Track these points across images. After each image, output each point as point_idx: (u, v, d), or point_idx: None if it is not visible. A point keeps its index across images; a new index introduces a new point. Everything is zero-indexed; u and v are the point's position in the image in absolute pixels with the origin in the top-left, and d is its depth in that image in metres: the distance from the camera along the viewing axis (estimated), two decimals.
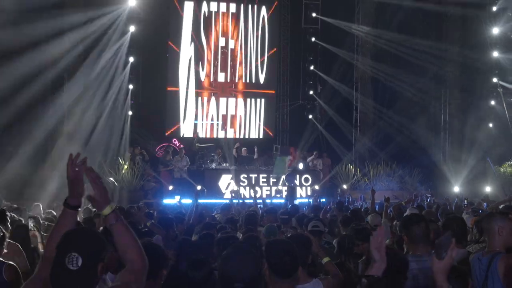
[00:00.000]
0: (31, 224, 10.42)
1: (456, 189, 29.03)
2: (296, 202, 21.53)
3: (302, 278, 5.21)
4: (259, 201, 20.47)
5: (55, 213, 12.49)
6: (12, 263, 6.48)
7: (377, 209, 15.56)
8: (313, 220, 8.98)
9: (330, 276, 5.88)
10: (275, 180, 25.84)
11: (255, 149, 27.39)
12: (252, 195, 24.41)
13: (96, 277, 3.72)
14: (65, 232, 3.86)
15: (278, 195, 24.70)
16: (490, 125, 31.15)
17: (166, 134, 29.03)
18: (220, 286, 3.71)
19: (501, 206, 13.41)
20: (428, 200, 20.46)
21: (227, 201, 20.17)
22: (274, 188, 25.68)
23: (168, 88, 29.22)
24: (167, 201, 22.69)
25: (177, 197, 21.05)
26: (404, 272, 5.02)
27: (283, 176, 25.63)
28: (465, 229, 7.31)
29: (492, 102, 30.87)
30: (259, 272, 3.76)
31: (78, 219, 12.83)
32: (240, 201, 19.65)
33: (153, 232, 9.64)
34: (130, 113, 27.18)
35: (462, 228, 7.10)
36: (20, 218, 10.37)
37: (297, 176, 26.14)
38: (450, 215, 7.64)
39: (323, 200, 23.20)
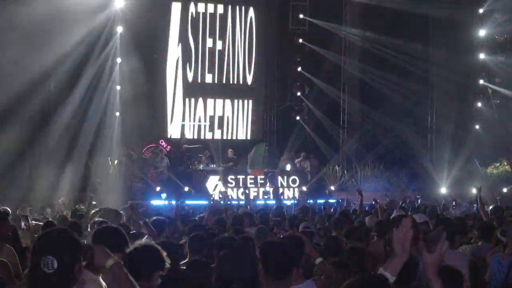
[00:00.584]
0: (22, 224, 10.38)
1: (443, 190, 29.10)
2: (288, 203, 21.59)
3: (296, 278, 5.22)
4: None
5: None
6: (3, 259, 6.47)
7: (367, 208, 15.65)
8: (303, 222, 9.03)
9: (323, 277, 5.88)
10: (262, 181, 25.87)
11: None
12: (241, 196, 24.41)
13: (73, 278, 3.71)
14: (39, 235, 3.93)
15: (266, 197, 24.68)
16: (477, 126, 31.31)
17: (154, 135, 28.83)
18: (217, 287, 3.70)
19: (490, 208, 13.51)
20: (419, 201, 20.51)
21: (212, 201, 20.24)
22: (261, 190, 25.68)
23: (156, 89, 29.09)
24: (155, 202, 22.59)
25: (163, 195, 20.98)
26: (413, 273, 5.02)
27: (267, 179, 25.71)
28: (454, 230, 7.29)
29: (479, 104, 31.04)
30: (256, 273, 3.75)
31: (50, 219, 12.82)
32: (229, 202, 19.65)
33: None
34: (117, 113, 27.08)
35: (451, 229, 7.09)
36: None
37: (279, 177, 26.15)
38: (441, 216, 7.65)
39: (311, 201, 23.21)
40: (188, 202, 20.28)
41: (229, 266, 3.65)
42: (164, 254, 4.47)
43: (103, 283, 4.59)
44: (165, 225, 9.70)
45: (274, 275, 4.44)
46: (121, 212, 12.92)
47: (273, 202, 21.80)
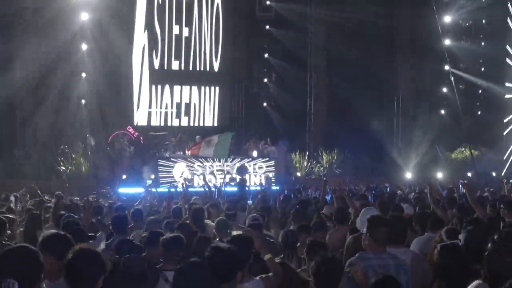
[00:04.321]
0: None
1: (408, 175, 29.39)
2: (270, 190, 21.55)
3: (244, 277, 5.30)
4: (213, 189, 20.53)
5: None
6: None
7: (329, 198, 15.72)
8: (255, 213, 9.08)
9: (271, 274, 5.95)
10: (228, 168, 25.91)
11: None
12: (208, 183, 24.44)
13: None
14: None
15: (232, 183, 24.68)
16: (442, 111, 31.61)
17: (121, 123, 28.64)
18: None
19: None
20: (387, 189, 20.53)
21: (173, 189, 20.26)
22: (228, 176, 25.71)
23: (122, 77, 28.91)
24: (122, 190, 22.46)
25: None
26: None
27: (235, 167, 25.73)
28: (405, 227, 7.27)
29: (444, 90, 31.31)
30: (213, 286, 3.83)
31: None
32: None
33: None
34: (83, 101, 26.91)
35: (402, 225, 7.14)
36: None
37: (248, 169, 26.15)
38: (391, 214, 7.71)
39: (277, 187, 23.28)
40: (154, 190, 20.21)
41: (186, 282, 3.71)
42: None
43: None
44: (125, 222, 9.56)
45: (219, 279, 4.57)
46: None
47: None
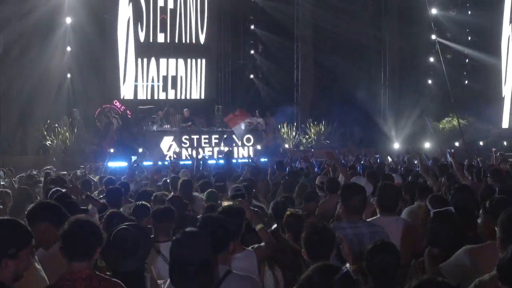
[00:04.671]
0: None
1: (397, 145, 29.48)
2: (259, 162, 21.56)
3: (236, 248, 5.28)
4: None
5: None
6: None
7: (316, 169, 15.75)
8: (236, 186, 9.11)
9: (263, 244, 5.94)
10: (216, 141, 25.90)
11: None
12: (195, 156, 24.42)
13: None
14: None
15: (220, 156, 24.64)
16: (429, 81, 31.65)
17: (107, 97, 28.45)
18: (172, 269, 3.74)
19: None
20: (377, 160, 20.59)
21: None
22: (216, 149, 25.70)
23: (107, 50, 28.67)
24: (111, 164, 22.33)
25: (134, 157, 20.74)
26: None
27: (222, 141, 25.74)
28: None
29: (431, 59, 31.31)
30: (209, 253, 3.82)
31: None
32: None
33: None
34: (69, 75, 26.70)
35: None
36: None
37: (235, 138, 26.11)
38: (382, 183, 7.69)
39: (265, 159, 23.29)
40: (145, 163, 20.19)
41: (184, 249, 3.68)
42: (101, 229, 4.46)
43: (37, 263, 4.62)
44: (119, 194, 9.55)
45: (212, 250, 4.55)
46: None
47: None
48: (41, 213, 5.14)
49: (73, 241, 4.11)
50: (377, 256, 4.54)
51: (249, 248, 5.73)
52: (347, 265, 4.98)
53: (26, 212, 5.29)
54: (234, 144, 25.89)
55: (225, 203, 6.78)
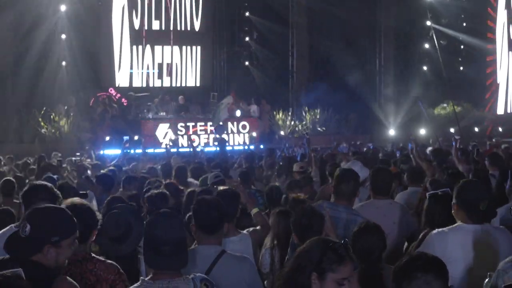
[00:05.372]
0: None
1: (392, 132, 29.54)
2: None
3: (230, 232, 5.33)
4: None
5: None
6: None
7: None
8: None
9: (259, 227, 5.98)
10: (213, 128, 25.90)
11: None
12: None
13: (38, 251, 3.70)
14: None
15: (216, 143, 24.64)
16: (425, 68, 31.66)
17: (102, 85, 28.40)
18: (147, 250, 3.76)
19: (428, 150, 13.82)
20: (371, 147, 20.51)
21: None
22: (212, 136, 25.71)
23: (102, 37, 28.59)
24: (107, 151, 22.33)
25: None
26: None
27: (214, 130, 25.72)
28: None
29: (426, 45, 31.31)
30: (184, 234, 3.85)
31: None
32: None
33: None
34: (64, 63, 26.65)
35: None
36: None
37: (225, 128, 26.04)
38: (376, 167, 7.70)
39: (261, 146, 23.32)
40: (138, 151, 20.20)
41: (159, 230, 3.71)
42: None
43: None
44: (111, 181, 9.64)
45: (205, 230, 4.68)
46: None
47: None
48: (36, 194, 5.16)
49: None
50: (361, 237, 4.61)
51: (245, 231, 5.77)
52: None
53: (21, 194, 5.32)
54: (225, 132, 25.82)
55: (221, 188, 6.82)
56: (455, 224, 4.96)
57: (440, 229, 4.99)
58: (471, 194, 4.95)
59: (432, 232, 5.03)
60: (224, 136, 25.21)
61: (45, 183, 5.38)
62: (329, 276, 3.18)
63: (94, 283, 4.20)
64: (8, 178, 9.70)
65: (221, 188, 6.42)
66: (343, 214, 5.72)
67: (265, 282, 5.65)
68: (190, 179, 10.14)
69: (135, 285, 3.67)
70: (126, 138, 20.28)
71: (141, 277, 3.75)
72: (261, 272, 5.79)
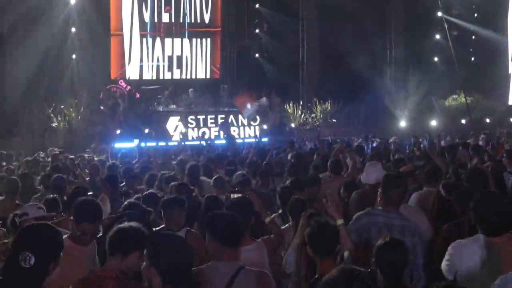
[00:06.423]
0: None
1: (403, 124, 29.44)
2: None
3: (246, 240, 5.30)
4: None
5: None
6: None
7: (325, 146, 15.81)
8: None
9: (273, 236, 5.95)
10: (223, 120, 25.94)
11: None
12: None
13: (46, 274, 3.88)
14: (22, 228, 4.17)
15: (226, 135, 24.64)
16: (436, 59, 31.52)
17: (112, 77, 28.40)
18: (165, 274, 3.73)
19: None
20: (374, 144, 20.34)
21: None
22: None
23: (112, 31, 28.52)
24: (118, 145, 22.34)
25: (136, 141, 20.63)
26: None
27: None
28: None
29: (438, 37, 31.17)
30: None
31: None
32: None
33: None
34: (74, 56, 26.64)
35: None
36: None
37: (229, 126, 26.05)
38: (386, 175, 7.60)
39: (265, 139, 23.33)
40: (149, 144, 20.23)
41: (172, 255, 3.69)
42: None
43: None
44: (116, 179, 9.66)
45: (228, 245, 4.56)
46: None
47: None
48: (81, 213, 5.46)
49: (118, 246, 4.32)
50: (386, 253, 4.51)
51: (259, 240, 5.74)
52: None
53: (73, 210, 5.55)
54: (230, 128, 25.81)
55: (234, 196, 6.78)
56: (474, 236, 4.93)
57: (458, 241, 4.96)
58: (485, 208, 4.89)
59: (452, 244, 4.99)
60: (231, 131, 25.29)
61: (87, 198, 5.76)
62: None
63: None
64: (12, 177, 9.64)
65: (234, 196, 6.40)
66: (396, 220, 5.67)
67: (288, 283, 5.64)
68: (202, 177, 10.06)
69: None
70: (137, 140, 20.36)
71: None
72: (284, 272, 5.80)
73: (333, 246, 4.71)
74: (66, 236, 5.17)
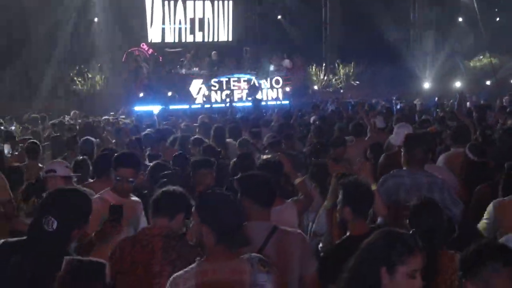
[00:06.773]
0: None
1: (427, 85, 29.23)
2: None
3: (275, 201, 5.29)
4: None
5: None
6: None
7: (349, 109, 15.81)
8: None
9: (302, 197, 5.95)
10: (245, 83, 25.89)
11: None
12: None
13: (68, 240, 3.90)
14: (49, 191, 4.08)
15: (250, 98, 24.60)
16: (460, 19, 31.11)
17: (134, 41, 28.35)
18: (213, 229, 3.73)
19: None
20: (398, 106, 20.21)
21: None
22: (245, 92, 25.70)
23: None
24: (138, 108, 22.44)
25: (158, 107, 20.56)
26: None
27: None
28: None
29: None
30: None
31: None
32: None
33: None
34: (96, 19, 26.60)
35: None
36: None
37: (259, 91, 25.99)
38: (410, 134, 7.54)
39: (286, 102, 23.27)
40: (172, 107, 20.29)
41: (224, 212, 3.69)
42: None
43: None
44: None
45: (262, 204, 4.56)
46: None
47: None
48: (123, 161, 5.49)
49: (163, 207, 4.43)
50: (421, 214, 4.47)
51: (289, 200, 5.75)
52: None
53: (113, 159, 5.61)
54: (258, 94, 25.75)
55: (264, 157, 6.79)
56: None
57: (499, 199, 4.96)
58: None
59: (493, 203, 4.99)
60: (258, 96, 25.25)
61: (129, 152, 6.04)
62: (400, 269, 3.04)
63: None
64: (33, 140, 9.71)
65: (264, 157, 6.40)
66: (423, 178, 5.65)
67: (320, 243, 5.65)
68: (228, 139, 10.09)
69: (192, 266, 3.65)
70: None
71: (197, 258, 3.71)
72: (317, 232, 5.82)
73: (369, 206, 4.69)
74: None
